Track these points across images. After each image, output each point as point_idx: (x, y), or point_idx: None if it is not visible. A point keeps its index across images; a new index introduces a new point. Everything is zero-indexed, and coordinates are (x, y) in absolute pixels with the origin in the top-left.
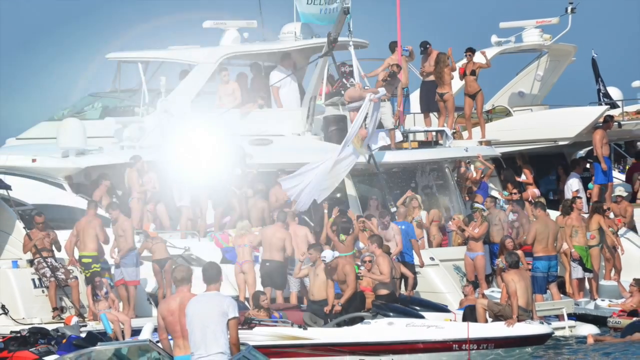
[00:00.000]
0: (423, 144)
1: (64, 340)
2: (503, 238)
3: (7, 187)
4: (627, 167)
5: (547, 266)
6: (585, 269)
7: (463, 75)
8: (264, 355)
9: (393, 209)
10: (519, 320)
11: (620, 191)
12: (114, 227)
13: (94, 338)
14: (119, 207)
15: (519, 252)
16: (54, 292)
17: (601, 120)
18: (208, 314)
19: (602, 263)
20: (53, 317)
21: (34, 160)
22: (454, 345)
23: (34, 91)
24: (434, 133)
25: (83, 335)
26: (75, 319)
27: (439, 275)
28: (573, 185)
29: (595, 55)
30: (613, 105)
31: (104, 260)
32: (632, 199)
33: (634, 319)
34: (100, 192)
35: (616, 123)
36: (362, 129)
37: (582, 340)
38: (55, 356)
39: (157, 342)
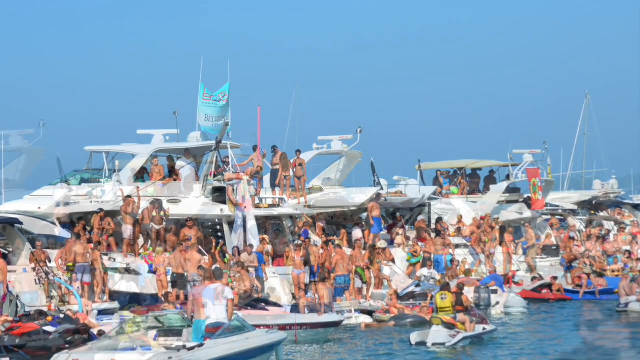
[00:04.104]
0: (271, 206)
1: (49, 318)
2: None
3: (20, 222)
4: (388, 225)
5: (344, 279)
6: (363, 282)
7: (295, 167)
8: (248, 323)
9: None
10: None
11: (382, 242)
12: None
13: (69, 318)
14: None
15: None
16: (47, 287)
17: (374, 196)
18: (216, 296)
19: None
20: (47, 303)
21: (39, 208)
22: (287, 327)
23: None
24: (277, 199)
25: (62, 315)
26: (54, 305)
27: (278, 284)
28: (357, 234)
29: (372, 159)
30: (381, 188)
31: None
32: (390, 242)
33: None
34: (78, 228)
35: (383, 198)
36: (234, 198)
37: (358, 325)
38: (51, 328)
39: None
